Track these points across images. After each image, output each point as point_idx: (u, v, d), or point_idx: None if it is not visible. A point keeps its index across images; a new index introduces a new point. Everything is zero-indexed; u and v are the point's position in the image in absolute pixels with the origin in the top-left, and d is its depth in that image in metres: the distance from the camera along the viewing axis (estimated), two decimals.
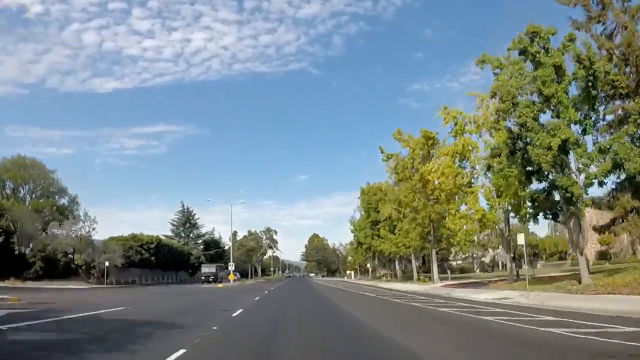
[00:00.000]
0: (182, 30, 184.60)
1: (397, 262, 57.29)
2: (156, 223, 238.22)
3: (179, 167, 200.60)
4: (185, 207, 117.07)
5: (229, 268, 61.39)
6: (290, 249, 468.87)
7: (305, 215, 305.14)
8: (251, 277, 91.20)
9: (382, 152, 43.85)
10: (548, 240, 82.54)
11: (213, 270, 73.31)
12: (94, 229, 59.47)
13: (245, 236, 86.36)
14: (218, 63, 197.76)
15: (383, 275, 52.88)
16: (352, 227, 77.43)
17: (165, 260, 75.68)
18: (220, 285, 55.23)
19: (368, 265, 65.15)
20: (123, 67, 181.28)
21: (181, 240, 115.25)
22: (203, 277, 69.67)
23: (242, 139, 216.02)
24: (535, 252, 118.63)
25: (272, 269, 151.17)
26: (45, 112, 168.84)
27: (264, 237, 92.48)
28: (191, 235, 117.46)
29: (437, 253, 65.82)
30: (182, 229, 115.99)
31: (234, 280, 60.45)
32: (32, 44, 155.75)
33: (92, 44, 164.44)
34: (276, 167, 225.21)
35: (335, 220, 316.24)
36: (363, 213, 68.81)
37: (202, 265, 75.82)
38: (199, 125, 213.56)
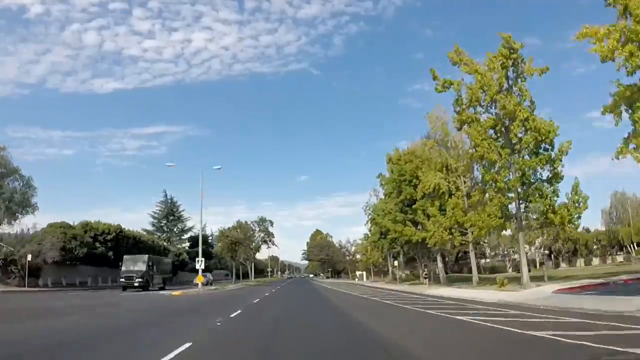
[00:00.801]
0: (182, 30, 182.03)
1: (439, 259, 40.81)
2: None
3: (179, 167, 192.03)
4: (169, 197, 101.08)
5: (197, 265, 39.93)
6: (290, 250, 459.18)
7: (305, 216, 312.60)
8: (238, 279, 73.53)
9: (435, 79, 27.63)
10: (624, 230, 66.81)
11: (141, 267, 41.93)
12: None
13: (231, 227, 66.33)
14: (218, 63, 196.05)
15: (425, 278, 36.20)
16: (371, 214, 61.06)
17: None
18: (176, 292, 34.21)
19: (395, 263, 48.00)
20: (123, 68, 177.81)
21: (164, 235, 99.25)
22: (123, 280, 41.07)
23: (242, 139, 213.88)
24: (575, 246, 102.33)
25: (269, 269, 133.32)
26: (45, 112, 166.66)
27: (257, 228, 75.11)
28: (175, 229, 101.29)
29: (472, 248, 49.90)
30: (164, 222, 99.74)
31: (204, 285, 42.60)
32: (32, 45, 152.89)
33: (93, 45, 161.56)
34: (276, 168, 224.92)
35: (335, 221, 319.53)
36: (385, 193, 52.47)
37: (124, 259, 43.62)
38: (199, 126, 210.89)
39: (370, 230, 61.91)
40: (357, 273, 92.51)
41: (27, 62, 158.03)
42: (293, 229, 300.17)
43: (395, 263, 46.88)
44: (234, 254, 59.90)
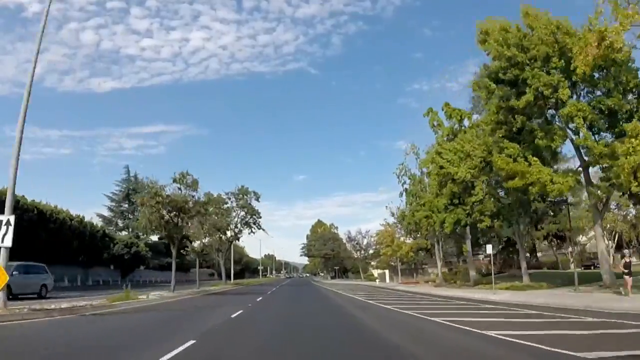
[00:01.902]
0: (180, 29, 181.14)
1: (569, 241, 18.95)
2: None
3: (178, 167, 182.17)
4: (132, 175, 78.88)
5: None
6: (289, 250, 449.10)
7: (304, 216, 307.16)
8: (202, 279, 48.46)
9: None
10: None
11: None
12: None
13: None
14: (216, 63, 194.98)
15: (629, 274, 14.56)
16: (406, 182, 40.04)
17: (63, 246, 38.43)
18: None
19: (488, 250, 24.80)
20: (121, 67, 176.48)
21: (124, 221, 77.58)
22: None
23: (241, 139, 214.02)
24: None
25: (260, 267, 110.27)
26: (43, 111, 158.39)
27: (235, 203, 48.70)
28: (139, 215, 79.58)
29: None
30: (125, 206, 77.70)
31: (10, 297, 14.20)
32: (30, 43, 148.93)
33: (90, 43, 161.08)
34: (275, 167, 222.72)
35: (334, 220, 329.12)
36: (451, 126, 31.13)
37: None
38: (197, 125, 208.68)
39: (409, 205, 40.52)
40: (376, 273, 70.92)
41: (24, 61, 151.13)
42: (291, 229, 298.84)
43: (489, 249, 24.18)
44: (172, 234, 29.38)
